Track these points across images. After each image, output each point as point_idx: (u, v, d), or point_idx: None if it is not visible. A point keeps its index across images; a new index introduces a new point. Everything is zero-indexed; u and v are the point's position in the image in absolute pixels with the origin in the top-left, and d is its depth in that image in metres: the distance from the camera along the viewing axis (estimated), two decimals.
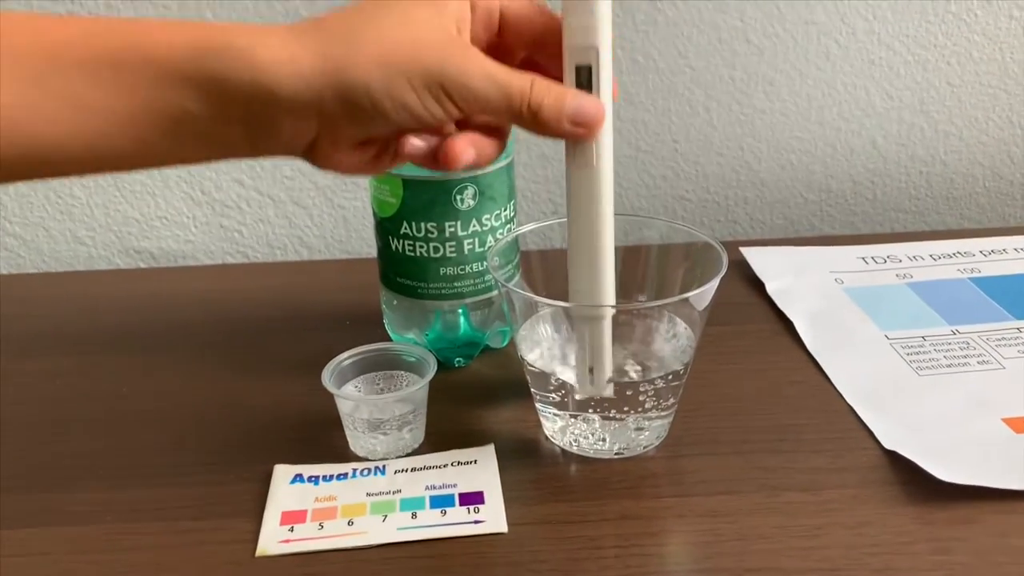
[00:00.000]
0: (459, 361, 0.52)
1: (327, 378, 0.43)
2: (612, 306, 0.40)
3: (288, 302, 0.60)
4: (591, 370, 0.41)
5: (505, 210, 0.49)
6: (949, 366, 0.50)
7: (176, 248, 0.69)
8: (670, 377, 0.43)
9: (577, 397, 0.42)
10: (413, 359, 0.46)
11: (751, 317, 0.57)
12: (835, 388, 0.49)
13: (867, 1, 0.67)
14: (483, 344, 0.52)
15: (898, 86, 0.70)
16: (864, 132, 0.71)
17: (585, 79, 0.35)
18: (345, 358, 0.45)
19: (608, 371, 0.41)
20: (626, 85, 0.68)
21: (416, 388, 0.43)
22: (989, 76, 0.70)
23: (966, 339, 0.53)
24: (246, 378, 0.51)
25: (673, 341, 0.46)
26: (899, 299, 0.58)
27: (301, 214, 0.69)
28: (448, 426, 0.46)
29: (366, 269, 0.55)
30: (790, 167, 0.71)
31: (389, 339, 0.52)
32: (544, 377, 0.44)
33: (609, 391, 0.41)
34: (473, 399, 0.49)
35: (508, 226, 0.49)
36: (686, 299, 0.42)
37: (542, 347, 0.46)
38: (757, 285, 0.60)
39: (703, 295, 0.42)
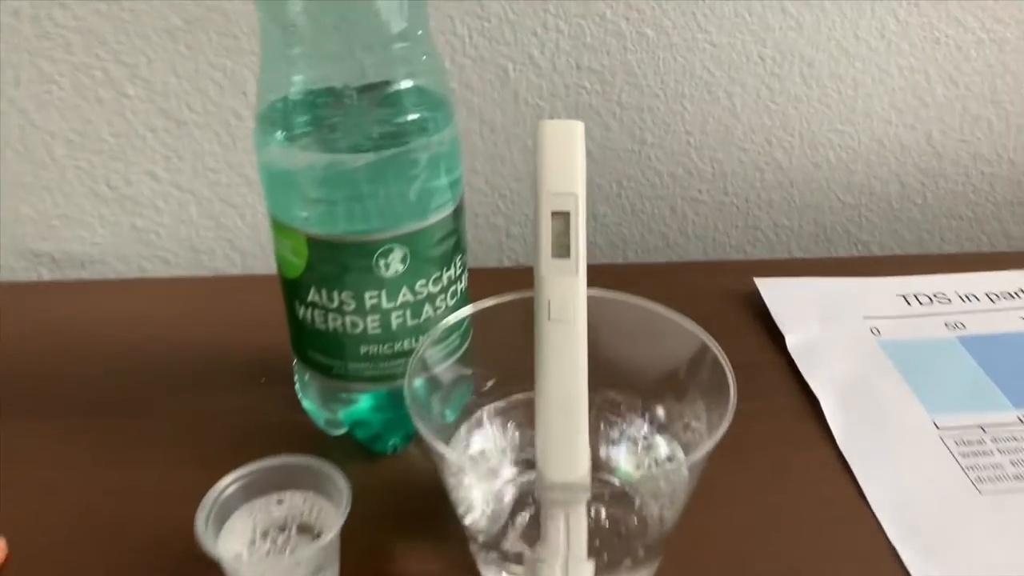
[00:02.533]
0: (394, 445, 0.41)
1: (202, 523, 0.32)
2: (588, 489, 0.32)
3: (197, 341, 0.49)
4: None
5: (448, 270, 0.37)
6: (1018, 478, 0.39)
7: (82, 251, 0.58)
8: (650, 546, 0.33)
9: None
10: (322, 478, 0.35)
11: (767, 387, 0.45)
12: (871, 510, 0.38)
13: None
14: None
15: (966, 71, 0.56)
16: (919, 125, 0.58)
17: (561, 228, 0.32)
18: (228, 484, 0.34)
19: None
20: (631, 65, 0.55)
21: (324, 543, 0.32)
22: None
23: None
24: (132, 466, 0.41)
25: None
26: (949, 362, 0.46)
27: (231, 213, 0.58)
28: (373, 564, 0.36)
29: None
30: (826, 165, 0.59)
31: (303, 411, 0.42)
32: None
33: None
34: (405, 516, 0.38)
35: (454, 287, 0.38)
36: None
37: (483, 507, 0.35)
38: (774, 332, 0.49)
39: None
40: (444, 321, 0.36)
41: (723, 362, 0.34)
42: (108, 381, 0.46)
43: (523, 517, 0.35)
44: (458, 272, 0.38)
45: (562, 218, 0.33)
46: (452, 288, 0.38)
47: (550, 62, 0.55)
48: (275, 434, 0.43)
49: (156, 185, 0.56)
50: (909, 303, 0.51)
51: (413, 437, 0.42)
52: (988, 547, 0.36)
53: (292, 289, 0.37)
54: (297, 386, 0.42)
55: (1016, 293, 0.51)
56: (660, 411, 0.37)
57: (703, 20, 0.54)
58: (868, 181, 0.60)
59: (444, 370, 0.37)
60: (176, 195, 0.57)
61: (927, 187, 0.60)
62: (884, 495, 0.39)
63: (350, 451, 0.41)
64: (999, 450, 0.41)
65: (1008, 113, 0.58)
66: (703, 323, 0.51)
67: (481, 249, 0.60)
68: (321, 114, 0.34)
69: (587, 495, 0.33)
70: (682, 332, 0.36)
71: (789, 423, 0.43)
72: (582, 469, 0.33)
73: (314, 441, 0.42)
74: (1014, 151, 0.59)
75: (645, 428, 0.37)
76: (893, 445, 0.41)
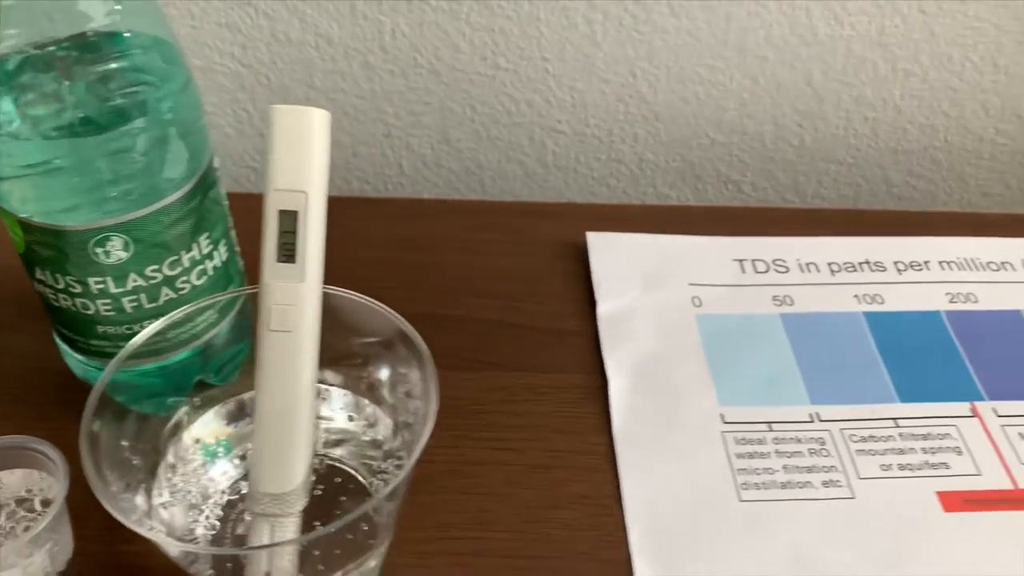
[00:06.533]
0: (171, 401, 0.40)
1: None
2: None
3: None
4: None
5: (190, 251, 0.35)
6: (784, 486, 0.39)
7: None
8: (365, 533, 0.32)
9: None
10: (35, 457, 0.34)
11: (566, 360, 0.44)
12: (623, 511, 0.38)
13: None
14: (194, 381, 0.40)
15: (852, 10, 0.51)
16: (799, 65, 0.54)
17: (289, 226, 0.30)
18: None
19: None
20: None
21: (39, 529, 0.32)
22: (978, 5, 0.51)
23: (824, 433, 0.41)
24: None
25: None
26: (763, 344, 0.45)
27: None
28: (109, 535, 0.36)
29: None
30: (695, 101, 0.55)
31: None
32: None
33: None
34: None
35: (202, 266, 0.36)
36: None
37: None
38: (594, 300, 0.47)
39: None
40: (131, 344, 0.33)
41: (422, 351, 0.32)
42: None
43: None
44: (206, 251, 0.35)
45: (291, 218, 0.30)
46: (199, 267, 0.35)
47: None
48: (50, 383, 0.42)
49: None
50: (744, 270, 0.49)
51: (189, 392, 0.41)
52: (729, 562, 0.36)
53: (23, 262, 0.35)
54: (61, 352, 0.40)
55: (860, 265, 0.49)
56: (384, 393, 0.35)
57: None
58: (740, 120, 0.56)
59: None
60: None
61: (805, 129, 0.56)
62: (640, 495, 0.38)
63: None
64: (777, 452, 0.40)
65: (895, 57, 0.53)
66: (527, 280, 0.49)
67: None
68: (16, 84, 0.31)
69: (299, 507, 0.32)
70: (386, 322, 0.33)
71: (573, 403, 0.42)
72: (295, 482, 0.32)
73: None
74: (900, 97, 0.55)
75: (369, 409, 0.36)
76: (670, 439, 0.40)
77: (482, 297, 0.47)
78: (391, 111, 0.55)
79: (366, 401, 0.35)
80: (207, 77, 0.53)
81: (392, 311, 0.32)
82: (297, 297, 0.31)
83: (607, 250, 0.49)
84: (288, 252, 0.31)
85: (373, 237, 0.50)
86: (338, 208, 0.56)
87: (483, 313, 0.46)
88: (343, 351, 0.34)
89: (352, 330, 0.33)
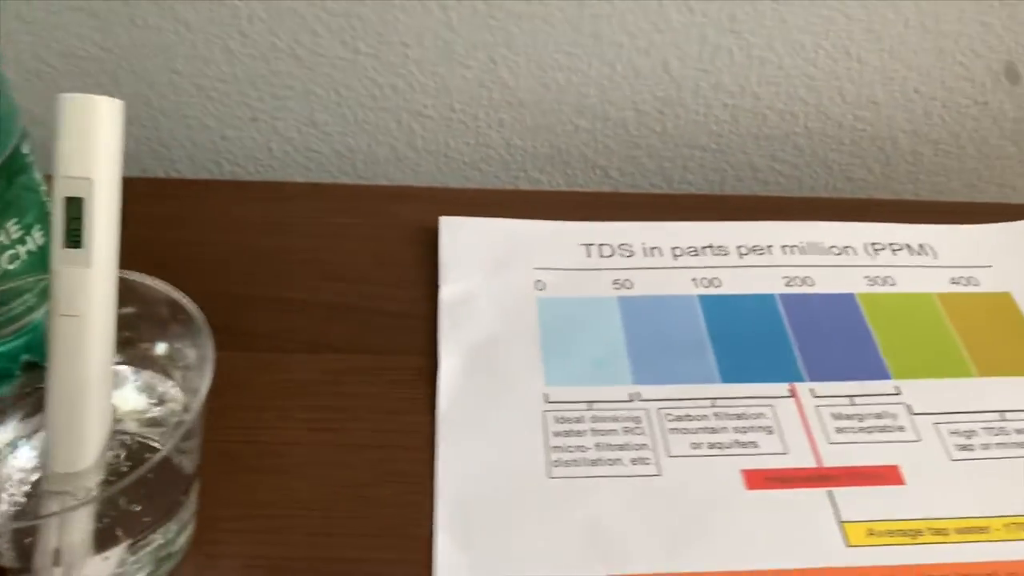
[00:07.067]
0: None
1: None
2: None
3: None
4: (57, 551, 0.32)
5: None
6: (594, 463, 0.40)
7: None
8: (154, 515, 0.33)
9: None
10: None
11: (404, 343, 0.45)
12: (434, 490, 0.39)
13: None
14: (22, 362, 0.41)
15: None
16: (654, 51, 0.55)
17: (75, 212, 0.30)
18: None
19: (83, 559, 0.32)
20: None
21: None
22: None
23: (641, 412, 0.42)
24: None
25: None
26: (595, 327, 0.46)
27: None
28: None
29: None
30: (556, 87, 0.56)
31: None
32: None
33: None
34: None
35: (11, 251, 0.36)
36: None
37: None
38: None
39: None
40: None
41: (197, 322, 0.33)
42: None
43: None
44: (16, 236, 0.36)
45: (77, 204, 0.31)
46: (10, 252, 0.36)
47: None
48: None
49: None
50: (590, 254, 0.50)
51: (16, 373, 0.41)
52: (529, 536, 0.37)
53: None
54: None
55: (703, 249, 0.50)
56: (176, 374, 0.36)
57: None
58: (602, 106, 0.57)
59: None
60: None
61: (666, 116, 0.58)
62: (454, 473, 0.39)
63: None
64: (593, 430, 0.41)
65: (749, 44, 0.55)
66: (381, 264, 0.50)
67: (198, 152, 0.58)
68: None
69: (89, 485, 0.33)
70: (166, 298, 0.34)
71: (403, 384, 0.43)
72: (87, 461, 0.33)
73: None
74: (757, 84, 0.56)
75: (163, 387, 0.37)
76: (492, 418, 0.41)
77: (332, 280, 0.48)
78: (255, 95, 0.55)
79: (161, 379, 0.36)
80: (69, 62, 0.54)
81: (171, 286, 0.33)
82: (84, 282, 0.31)
83: (457, 234, 0.50)
84: (75, 238, 0.31)
85: (236, 220, 0.51)
86: (205, 191, 0.56)
87: (329, 296, 0.47)
88: (131, 332, 0.35)
89: (137, 310, 0.34)
